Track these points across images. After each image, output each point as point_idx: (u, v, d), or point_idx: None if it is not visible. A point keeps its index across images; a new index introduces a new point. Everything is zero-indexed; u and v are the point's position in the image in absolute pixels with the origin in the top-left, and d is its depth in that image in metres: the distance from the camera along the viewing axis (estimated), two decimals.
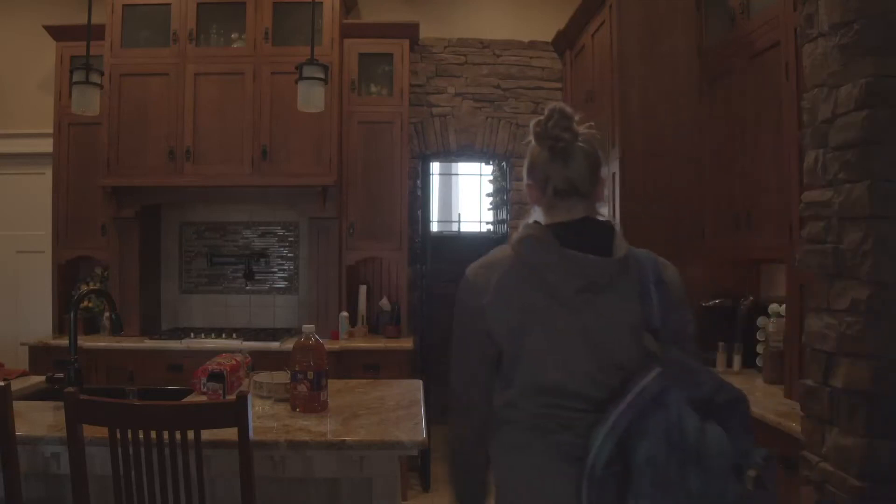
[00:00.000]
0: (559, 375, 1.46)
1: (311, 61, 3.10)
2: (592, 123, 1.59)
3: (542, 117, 1.56)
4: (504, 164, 5.32)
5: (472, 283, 1.55)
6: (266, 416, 2.34)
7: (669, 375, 1.40)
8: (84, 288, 4.52)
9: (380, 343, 4.28)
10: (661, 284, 1.51)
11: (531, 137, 1.58)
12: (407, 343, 4.26)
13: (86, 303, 4.53)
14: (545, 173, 1.55)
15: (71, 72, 3.14)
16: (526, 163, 1.61)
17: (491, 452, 1.58)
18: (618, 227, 1.58)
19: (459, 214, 6.33)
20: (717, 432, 1.38)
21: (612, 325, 1.47)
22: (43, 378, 2.90)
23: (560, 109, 1.54)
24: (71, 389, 1.91)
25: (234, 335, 4.27)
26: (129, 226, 4.41)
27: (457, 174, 6.41)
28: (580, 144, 1.54)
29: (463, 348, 1.59)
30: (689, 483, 1.35)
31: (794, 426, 2.21)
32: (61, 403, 1.97)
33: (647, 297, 1.49)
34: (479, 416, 1.57)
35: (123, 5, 4.36)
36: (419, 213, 4.99)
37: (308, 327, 2.45)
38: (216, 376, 2.54)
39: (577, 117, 1.55)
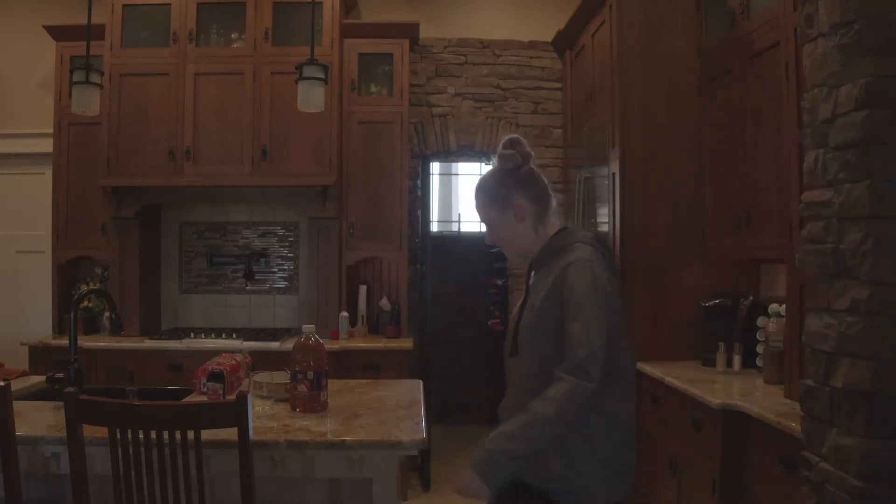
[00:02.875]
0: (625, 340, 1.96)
1: (311, 61, 3.10)
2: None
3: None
4: None
5: (604, 271, 1.93)
6: (266, 416, 2.34)
7: None
8: (84, 288, 4.52)
9: (380, 343, 4.28)
10: None
11: (532, 167, 2.04)
12: (407, 343, 4.26)
13: (86, 303, 4.53)
14: (548, 194, 2.04)
15: (71, 72, 3.13)
16: (529, 187, 2.01)
17: (601, 403, 1.87)
18: None
19: (459, 214, 6.33)
20: None
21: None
22: (43, 378, 2.90)
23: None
24: (71, 389, 1.91)
25: (234, 335, 4.27)
26: (129, 226, 4.41)
27: (457, 174, 6.41)
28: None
29: (604, 318, 1.87)
30: None
31: (794, 426, 2.21)
32: (61, 403, 1.97)
33: None
34: (602, 371, 1.84)
35: (123, 5, 4.36)
36: (419, 213, 4.99)
37: (308, 327, 2.44)
38: (216, 376, 2.54)
39: None
